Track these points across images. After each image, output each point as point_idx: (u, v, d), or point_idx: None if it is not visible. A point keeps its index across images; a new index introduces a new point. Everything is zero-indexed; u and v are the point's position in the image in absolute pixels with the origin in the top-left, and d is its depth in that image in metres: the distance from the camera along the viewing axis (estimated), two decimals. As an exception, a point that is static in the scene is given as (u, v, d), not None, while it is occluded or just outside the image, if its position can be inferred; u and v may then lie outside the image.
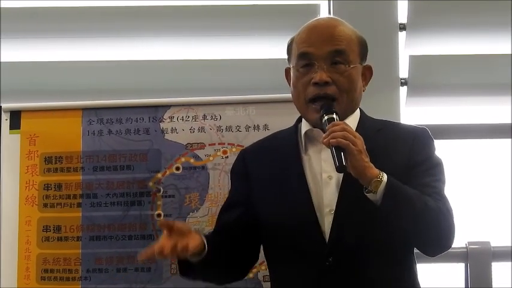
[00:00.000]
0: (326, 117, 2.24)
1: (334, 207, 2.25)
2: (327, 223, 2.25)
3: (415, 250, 2.31)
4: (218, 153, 2.84)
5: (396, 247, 2.25)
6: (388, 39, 3.53)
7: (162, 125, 2.87)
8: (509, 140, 3.50)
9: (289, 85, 2.40)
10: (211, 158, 2.84)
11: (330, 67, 2.30)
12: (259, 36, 3.53)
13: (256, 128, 2.85)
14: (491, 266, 3.34)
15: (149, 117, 2.88)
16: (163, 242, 2.15)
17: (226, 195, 2.52)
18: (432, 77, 3.56)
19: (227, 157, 2.82)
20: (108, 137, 2.88)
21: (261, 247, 2.42)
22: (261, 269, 2.75)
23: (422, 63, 3.56)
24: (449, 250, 2.27)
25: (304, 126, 2.38)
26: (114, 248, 2.83)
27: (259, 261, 2.66)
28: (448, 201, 2.26)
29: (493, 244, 3.36)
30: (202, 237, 2.21)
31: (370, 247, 2.22)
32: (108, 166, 2.87)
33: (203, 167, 2.83)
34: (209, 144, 2.85)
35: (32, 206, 2.87)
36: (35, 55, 3.55)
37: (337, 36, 2.32)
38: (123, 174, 2.86)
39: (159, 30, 3.54)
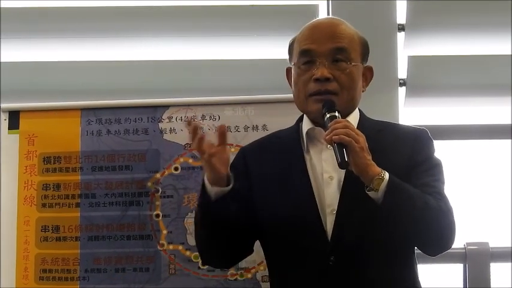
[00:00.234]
0: (328, 115, 2.25)
1: (335, 207, 2.25)
2: (329, 222, 2.25)
3: (416, 250, 2.31)
4: (217, 154, 2.84)
5: (398, 246, 2.26)
6: (387, 39, 3.53)
7: (160, 125, 2.88)
8: (509, 140, 3.50)
9: (290, 85, 2.41)
10: (209, 158, 2.83)
11: (331, 64, 2.31)
12: (257, 36, 3.53)
13: (255, 128, 2.85)
14: (489, 266, 3.34)
15: (148, 118, 2.88)
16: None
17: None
18: (431, 77, 3.56)
19: (226, 157, 2.82)
20: (106, 137, 2.88)
21: (261, 247, 2.41)
22: (259, 269, 2.75)
23: (421, 63, 3.56)
24: (447, 251, 2.27)
25: (306, 125, 2.38)
26: (112, 248, 2.83)
27: (258, 261, 2.67)
28: (448, 201, 2.26)
29: (491, 245, 3.36)
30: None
31: (372, 247, 2.23)
32: (106, 166, 2.87)
33: (202, 167, 2.82)
34: (208, 145, 2.84)
35: (31, 206, 2.87)
36: (33, 55, 3.55)
37: (339, 34, 2.33)
38: (121, 175, 2.86)
39: (158, 31, 3.54)
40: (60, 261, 2.84)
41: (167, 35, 3.55)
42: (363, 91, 2.39)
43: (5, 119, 2.92)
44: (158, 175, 2.85)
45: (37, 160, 2.89)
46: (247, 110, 2.87)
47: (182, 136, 2.85)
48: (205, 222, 2.29)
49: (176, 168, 2.84)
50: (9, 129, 2.92)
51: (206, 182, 2.24)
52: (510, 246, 3.40)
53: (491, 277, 3.34)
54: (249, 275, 2.76)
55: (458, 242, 3.28)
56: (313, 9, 3.54)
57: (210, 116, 2.87)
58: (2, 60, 3.48)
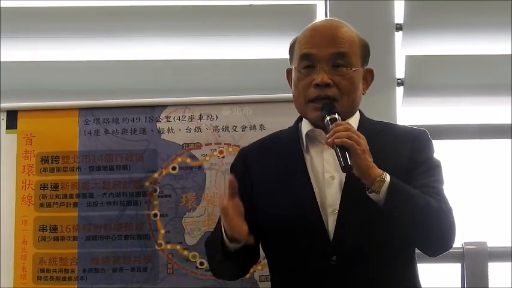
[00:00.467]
0: (328, 118, 2.25)
1: (337, 207, 2.25)
2: (330, 222, 2.25)
3: (416, 250, 2.31)
4: (215, 153, 2.84)
5: (399, 247, 2.26)
6: (385, 39, 3.53)
7: (158, 124, 2.87)
8: (509, 140, 3.50)
9: (290, 86, 2.40)
10: (207, 158, 2.84)
11: (332, 69, 2.30)
12: (255, 36, 3.53)
13: (253, 128, 2.85)
14: (487, 266, 3.34)
15: (146, 117, 2.88)
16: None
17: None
18: (429, 77, 3.56)
19: (223, 157, 2.82)
20: (104, 137, 2.88)
21: (261, 247, 2.41)
22: (257, 269, 2.74)
23: (419, 63, 3.56)
24: (447, 251, 2.28)
25: (305, 126, 2.38)
26: (110, 247, 2.83)
27: (256, 261, 2.66)
28: (448, 202, 2.27)
29: (489, 244, 3.37)
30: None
31: (373, 247, 2.23)
32: (104, 166, 2.87)
33: (199, 167, 2.83)
34: (205, 144, 2.85)
35: (29, 205, 2.87)
36: (31, 55, 3.55)
37: (339, 38, 2.32)
38: (119, 174, 2.86)
39: (156, 30, 3.54)
40: (58, 261, 2.84)
41: (165, 34, 3.55)
42: (363, 94, 2.39)
43: (3, 119, 2.92)
44: (156, 175, 2.84)
45: (35, 160, 2.89)
46: (244, 110, 2.87)
47: (180, 136, 2.85)
48: (222, 262, 2.33)
49: (174, 168, 2.84)
50: (7, 128, 2.91)
51: (225, 237, 2.25)
52: (508, 245, 3.41)
53: (489, 277, 3.34)
54: (247, 275, 2.75)
55: (456, 242, 3.27)
56: (311, 9, 3.54)
57: (208, 116, 2.87)
58: (-1, 60, 3.49)
